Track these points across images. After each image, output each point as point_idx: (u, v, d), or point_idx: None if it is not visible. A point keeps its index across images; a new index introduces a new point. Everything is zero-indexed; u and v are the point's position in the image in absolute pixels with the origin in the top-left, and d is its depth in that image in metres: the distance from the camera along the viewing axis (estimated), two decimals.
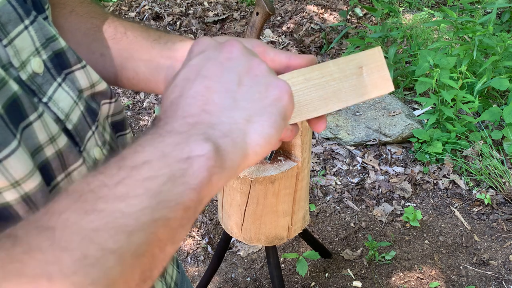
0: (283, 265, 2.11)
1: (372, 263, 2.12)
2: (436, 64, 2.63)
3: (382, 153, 2.67)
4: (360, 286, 2.03)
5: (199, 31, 3.83)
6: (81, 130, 0.50)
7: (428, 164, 2.58)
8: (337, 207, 2.39)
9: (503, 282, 2.02)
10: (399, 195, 2.44)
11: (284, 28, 3.85)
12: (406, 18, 3.76)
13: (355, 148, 2.70)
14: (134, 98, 3.23)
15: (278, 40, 3.70)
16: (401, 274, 2.08)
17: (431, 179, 2.51)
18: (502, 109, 2.56)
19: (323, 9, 4.03)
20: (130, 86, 0.62)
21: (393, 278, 2.06)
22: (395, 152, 2.68)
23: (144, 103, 3.17)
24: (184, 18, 3.98)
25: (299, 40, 3.69)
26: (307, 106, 0.49)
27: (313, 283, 2.05)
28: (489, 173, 2.43)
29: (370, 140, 2.70)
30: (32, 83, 0.46)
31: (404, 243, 2.21)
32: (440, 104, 2.60)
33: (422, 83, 2.66)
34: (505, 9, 3.54)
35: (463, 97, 2.55)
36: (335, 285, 2.04)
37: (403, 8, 3.90)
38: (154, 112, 3.06)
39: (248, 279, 2.08)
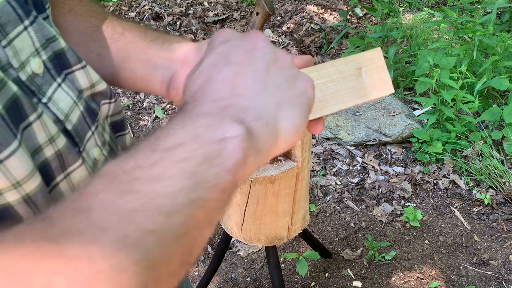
0: (283, 265, 2.11)
1: (372, 263, 2.12)
2: (436, 64, 2.63)
3: (382, 153, 2.67)
4: (360, 286, 2.03)
5: (199, 31, 3.83)
6: (80, 131, 0.50)
7: (428, 164, 2.58)
8: (337, 207, 2.39)
9: (503, 282, 2.02)
10: (399, 195, 2.44)
11: (284, 28, 3.85)
12: (406, 18, 3.76)
13: (355, 148, 2.70)
14: (134, 98, 3.23)
15: (278, 40, 3.70)
16: (401, 274, 2.08)
17: (431, 179, 2.51)
18: (502, 109, 2.56)
19: (323, 9, 4.03)
20: (128, 86, 0.62)
21: (393, 278, 2.06)
22: (395, 152, 2.68)
23: (144, 103, 3.17)
24: (184, 18, 3.98)
25: (299, 40, 3.69)
26: None
27: (313, 283, 2.05)
28: (489, 173, 2.43)
29: (370, 140, 2.70)
30: (32, 83, 0.46)
31: (404, 243, 2.21)
32: (440, 104, 2.60)
33: (422, 83, 2.66)
34: (505, 9, 3.54)
35: (463, 97, 2.54)
36: (335, 285, 2.04)
37: (403, 8, 3.90)
38: (154, 112, 3.06)
39: (248, 279, 2.08)
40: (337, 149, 2.70)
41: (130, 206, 0.31)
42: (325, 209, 2.38)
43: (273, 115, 0.39)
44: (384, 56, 2.95)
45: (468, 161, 2.54)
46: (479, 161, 2.49)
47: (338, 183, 2.52)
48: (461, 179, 2.49)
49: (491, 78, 2.69)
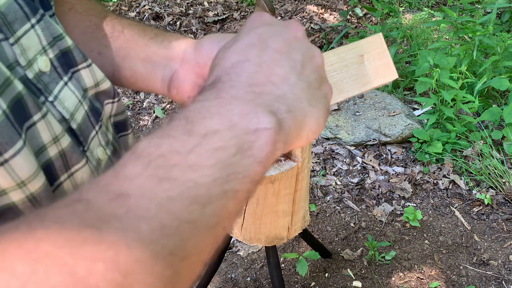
0: (283, 265, 2.11)
1: (372, 263, 2.12)
2: (436, 64, 2.63)
3: (382, 153, 2.67)
4: (360, 286, 2.03)
5: (199, 31, 3.83)
6: (85, 130, 0.50)
7: (428, 164, 2.58)
8: (337, 207, 2.39)
9: (503, 282, 2.03)
10: (399, 195, 2.44)
11: None
12: (406, 18, 3.76)
13: (355, 148, 2.71)
14: (134, 98, 3.23)
15: None
16: (401, 274, 2.08)
17: (431, 179, 2.51)
18: (502, 109, 2.56)
19: (323, 9, 4.03)
20: (128, 85, 0.62)
21: (393, 278, 2.06)
22: (395, 152, 2.68)
23: (144, 103, 3.17)
24: (184, 18, 3.98)
25: None
26: None
27: (313, 283, 2.05)
28: (489, 173, 2.43)
29: (370, 140, 2.70)
30: (39, 81, 0.46)
31: (404, 243, 2.21)
32: (440, 104, 2.60)
33: (422, 83, 2.66)
34: (505, 9, 3.55)
35: (463, 97, 2.55)
36: (335, 285, 2.04)
37: (403, 8, 3.90)
38: (154, 112, 3.06)
39: (248, 279, 2.08)
40: (337, 149, 2.70)
41: (168, 194, 0.31)
42: (325, 209, 2.39)
43: (304, 110, 0.40)
44: None
45: (468, 161, 2.54)
46: (479, 161, 2.49)
47: (338, 183, 2.52)
48: (461, 179, 2.49)
49: (491, 78, 2.69)
